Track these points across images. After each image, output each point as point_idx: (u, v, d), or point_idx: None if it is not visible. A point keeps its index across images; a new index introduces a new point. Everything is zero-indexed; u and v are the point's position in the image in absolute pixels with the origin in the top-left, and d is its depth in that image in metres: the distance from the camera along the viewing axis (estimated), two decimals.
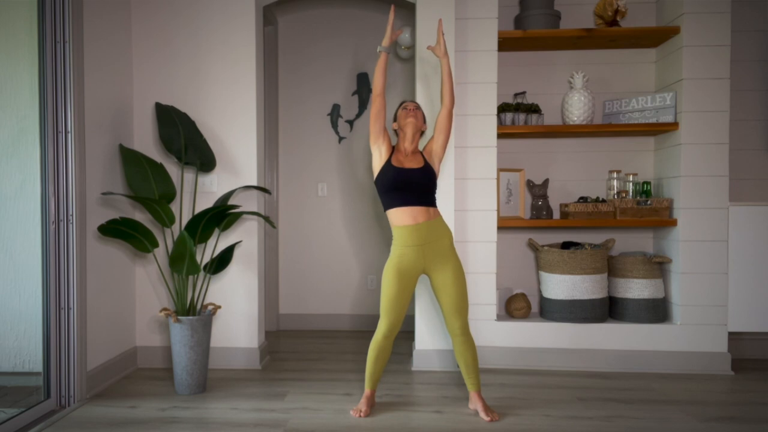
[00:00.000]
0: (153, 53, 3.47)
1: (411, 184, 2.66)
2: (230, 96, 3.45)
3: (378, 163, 2.73)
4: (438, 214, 2.71)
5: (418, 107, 2.79)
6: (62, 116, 2.79)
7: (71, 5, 2.78)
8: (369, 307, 4.59)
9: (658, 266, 3.50)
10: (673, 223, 3.42)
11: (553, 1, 3.61)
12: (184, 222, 3.29)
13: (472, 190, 3.41)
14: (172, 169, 3.43)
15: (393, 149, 2.77)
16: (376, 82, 2.74)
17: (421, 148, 2.87)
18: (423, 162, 2.74)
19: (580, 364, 3.42)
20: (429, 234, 2.64)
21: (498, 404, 2.81)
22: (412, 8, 4.02)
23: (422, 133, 2.81)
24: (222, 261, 3.19)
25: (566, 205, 3.58)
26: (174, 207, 3.27)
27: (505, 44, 3.55)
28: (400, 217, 2.66)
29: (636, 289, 3.46)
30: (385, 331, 2.68)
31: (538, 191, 3.64)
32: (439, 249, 2.66)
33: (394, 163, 2.70)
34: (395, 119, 2.83)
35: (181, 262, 2.95)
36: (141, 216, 3.43)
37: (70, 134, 2.80)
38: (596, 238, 3.79)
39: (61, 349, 2.83)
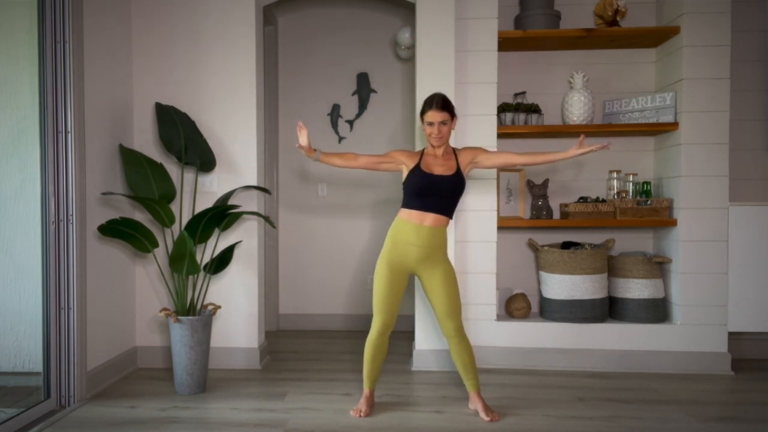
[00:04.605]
0: (153, 53, 3.46)
1: (437, 191, 2.60)
2: (230, 96, 3.45)
3: (406, 170, 2.68)
4: (446, 223, 2.67)
5: (443, 122, 2.57)
6: (62, 116, 2.79)
7: (71, 5, 2.78)
8: (369, 307, 4.58)
9: (658, 266, 3.49)
10: (673, 223, 3.42)
11: (553, 1, 3.61)
12: (184, 222, 3.29)
13: (472, 190, 3.40)
14: (172, 169, 3.43)
15: (422, 153, 2.70)
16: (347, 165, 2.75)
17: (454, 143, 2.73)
18: (455, 168, 2.64)
19: (580, 364, 3.42)
20: (427, 239, 2.61)
21: (498, 404, 2.81)
22: (412, 8, 4.02)
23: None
24: (222, 261, 3.19)
25: (566, 205, 3.58)
26: (174, 207, 3.26)
27: (505, 44, 3.55)
28: (411, 215, 2.63)
29: (636, 289, 3.46)
30: (379, 327, 2.68)
31: (538, 191, 3.63)
32: (429, 252, 2.63)
33: (423, 167, 2.63)
34: (422, 114, 2.62)
35: (181, 262, 2.95)
36: (141, 216, 3.43)
37: (70, 134, 2.80)
38: (596, 238, 3.79)
39: (61, 349, 2.82)
